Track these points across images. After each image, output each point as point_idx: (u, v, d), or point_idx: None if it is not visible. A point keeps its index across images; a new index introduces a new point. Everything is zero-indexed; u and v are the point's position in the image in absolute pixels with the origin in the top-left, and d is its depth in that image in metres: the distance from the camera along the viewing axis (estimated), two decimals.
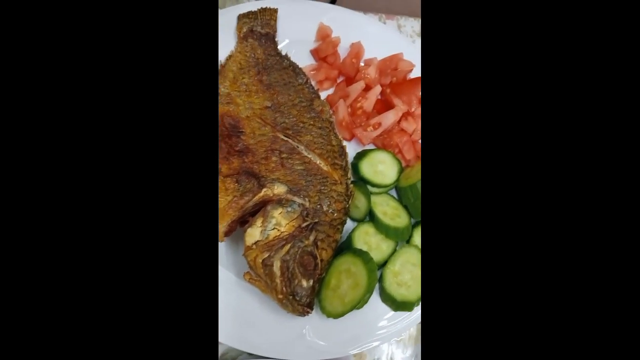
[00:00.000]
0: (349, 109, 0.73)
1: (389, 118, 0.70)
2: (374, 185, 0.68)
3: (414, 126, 0.71)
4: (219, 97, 0.65)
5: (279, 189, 0.57)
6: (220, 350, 0.60)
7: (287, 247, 0.54)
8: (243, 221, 0.58)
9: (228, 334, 0.56)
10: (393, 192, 0.71)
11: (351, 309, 0.57)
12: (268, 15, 0.74)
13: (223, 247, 0.63)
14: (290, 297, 0.53)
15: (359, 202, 0.66)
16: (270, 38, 0.73)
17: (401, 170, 0.69)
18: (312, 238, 0.56)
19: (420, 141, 0.73)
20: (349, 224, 0.66)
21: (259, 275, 0.55)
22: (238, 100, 0.65)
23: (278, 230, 0.55)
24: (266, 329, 0.57)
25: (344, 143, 0.69)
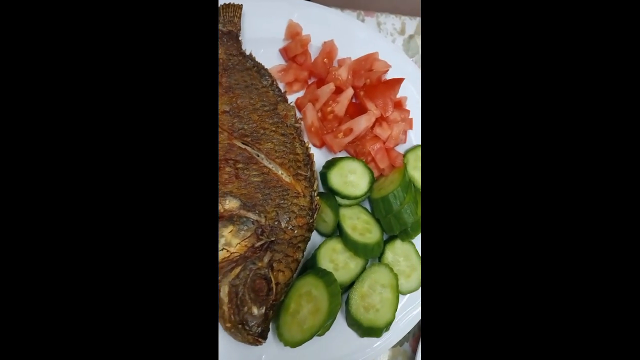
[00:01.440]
0: (319, 114, 0.67)
1: (361, 124, 0.64)
2: (343, 197, 0.62)
3: (389, 132, 0.65)
4: None
5: (231, 204, 0.52)
6: None
7: (237, 270, 0.49)
8: None
9: None
10: (367, 205, 0.66)
11: (310, 337, 0.51)
12: (232, 12, 0.68)
13: None
14: (239, 325, 0.47)
15: (326, 216, 0.61)
16: (233, 37, 0.68)
17: (373, 181, 0.63)
18: (266, 259, 0.50)
19: (395, 149, 0.67)
20: (316, 239, 0.61)
21: None
22: None
23: (227, 251, 0.50)
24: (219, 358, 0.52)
25: (313, 151, 0.64)
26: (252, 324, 0.47)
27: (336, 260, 0.59)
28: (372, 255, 0.59)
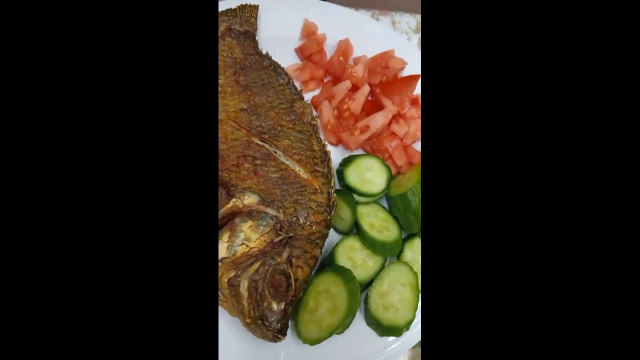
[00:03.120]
0: (335, 111, 0.67)
1: (377, 120, 0.64)
2: (360, 194, 0.62)
3: (406, 129, 0.65)
4: None
5: (250, 200, 0.52)
6: None
7: (257, 265, 0.49)
8: None
9: None
10: (384, 202, 0.65)
11: (329, 335, 0.51)
12: (248, 13, 0.69)
13: None
14: (259, 321, 0.47)
15: (344, 214, 0.60)
16: (250, 36, 0.68)
17: (391, 178, 0.63)
18: (285, 255, 0.50)
19: (413, 146, 0.67)
20: (334, 237, 0.60)
21: (225, 296, 0.49)
22: None
23: (247, 246, 0.49)
24: (236, 356, 0.51)
25: (330, 148, 0.64)
26: (272, 319, 0.47)
27: (354, 258, 0.58)
28: (390, 253, 0.59)
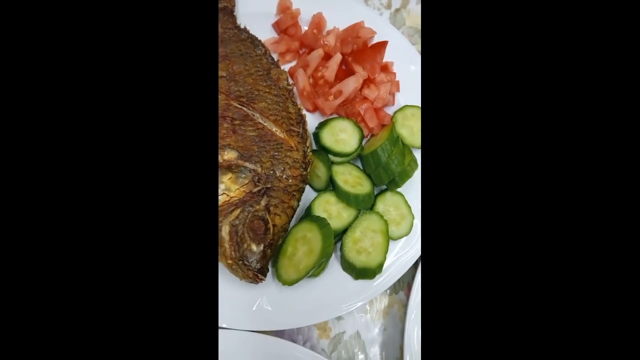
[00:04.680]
0: (311, 80, 0.72)
1: (349, 85, 0.68)
2: (335, 154, 0.66)
3: (376, 93, 0.69)
4: None
5: (229, 155, 0.56)
6: None
7: (237, 212, 0.53)
8: None
9: None
10: (358, 164, 0.70)
11: (306, 275, 0.55)
12: None
13: None
14: (240, 262, 0.51)
15: (320, 171, 0.65)
16: (228, 12, 0.72)
17: (362, 138, 0.67)
18: (263, 203, 0.54)
19: (383, 109, 0.71)
20: (311, 195, 0.65)
21: None
22: None
23: (227, 195, 0.54)
24: (221, 300, 0.56)
25: (306, 115, 0.68)
26: (252, 259, 0.51)
27: (329, 210, 0.63)
28: (363, 205, 0.63)
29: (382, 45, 0.71)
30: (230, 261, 0.52)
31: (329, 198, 0.64)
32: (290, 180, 0.58)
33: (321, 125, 0.68)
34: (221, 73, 0.64)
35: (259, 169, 0.56)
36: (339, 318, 0.63)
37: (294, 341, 0.59)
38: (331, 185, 0.65)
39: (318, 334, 0.62)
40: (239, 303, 0.56)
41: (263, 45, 0.70)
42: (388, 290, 0.65)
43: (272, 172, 0.57)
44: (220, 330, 0.54)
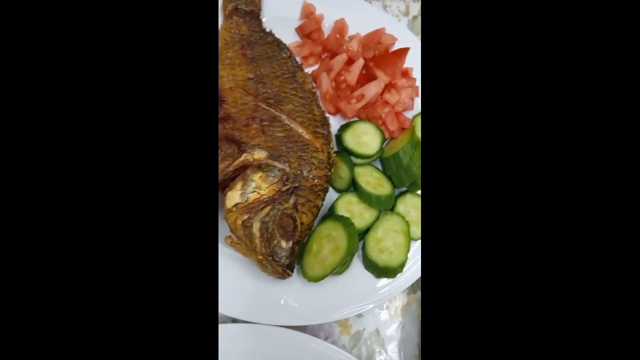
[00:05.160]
0: (333, 84, 0.74)
1: (372, 89, 0.71)
2: (357, 156, 0.68)
3: (397, 97, 0.72)
4: None
5: (259, 154, 0.58)
6: None
7: (267, 209, 0.55)
8: (223, 187, 0.59)
9: None
10: (378, 165, 0.72)
11: (331, 272, 0.57)
12: None
13: None
14: (270, 257, 0.53)
15: (342, 172, 0.67)
16: (254, 16, 0.74)
17: (384, 141, 0.69)
18: (291, 201, 0.56)
19: (403, 113, 0.73)
20: (334, 195, 0.67)
21: (239, 237, 0.55)
22: (222, 72, 0.66)
23: (258, 193, 0.56)
24: (248, 295, 0.57)
25: (328, 117, 0.70)
26: (281, 255, 0.53)
27: (352, 210, 0.64)
28: (385, 206, 0.65)
29: (404, 51, 0.73)
30: (260, 257, 0.53)
31: (351, 198, 0.66)
32: (316, 180, 0.59)
33: (343, 128, 0.70)
34: (249, 75, 0.66)
35: (287, 169, 0.58)
36: (359, 315, 0.65)
37: (316, 337, 0.61)
38: (353, 186, 0.67)
39: (339, 330, 0.64)
40: (266, 299, 0.57)
41: (288, 49, 0.72)
42: (407, 290, 0.67)
43: (299, 171, 0.58)
44: (246, 325, 0.56)
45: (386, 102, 0.72)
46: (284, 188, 0.57)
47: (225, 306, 0.56)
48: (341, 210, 0.64)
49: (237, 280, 0.58)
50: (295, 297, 0.59)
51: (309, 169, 0.59)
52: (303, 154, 0.60)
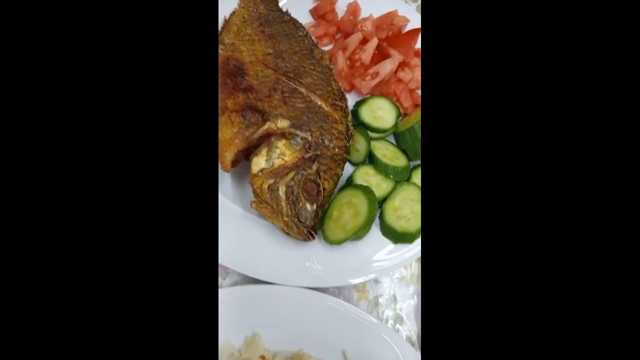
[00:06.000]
0: (348, 62, 0.76)
1: (386, 66, 0.73)
2: (373, 130, 0.71)
3: (410, 75, 0.74)
4: (223, 47, 0.68)
5: (282, 123, 0.60)
6: (228, 279, 0.62)
7: (292, 174, 0.57)
8: (247, 154, 0.61)
9: (234, 262, 0.58)
10: (392, 140, 0.74)
11: (353, 235, 0.59)
12: None
13: (229, 182, 0.65)
14: (295, 219, 0.55)
15: (359, 145, 0.69)
16: None
17: (399, 116, 0.72)
18: (314, 168, 0.58)
19: (416, 90, 0.76)
20: (349, 170, 0.69)
21: (265, 201, 0.57)
22: (242, 47, 0.68)
23: (282, 159, 0.58)
24: (272, 258, 0.59)
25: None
26: (306, 217, 0.55)
27: (369, 181, 0.66)
28: (401, 177, 0.67)
29: (417, 32, 0.76)
30: (286, 218, 0.55)
31: (368, 170, 0.68)
32: (336, 150, 0.62)
33: (359, 103, 0.72)
34: (268, 50, 0.68)
35: (309, 137, 0.60)
36: (377, 281, 0.66)
37: None
38: (369, 159, 0.69)
39: (357, 296, 0.66)
40: (289, 261, 0.59)
41: (304, 28, 0.74)
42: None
43: (321, 140, 0.61)
44: (273, 286, 0.57)
45: (399, 80, 0.75)
46: (307, 155, 0.59)
47: (249, 268, 0.58)
48: (359, 181, 0.66)
49: (260, 244, 0.60)
50: (316, 260, 0.60)
51: (329, 138, 0.62)
52: (324, 124, 0.62)
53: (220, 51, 0.67)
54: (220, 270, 0.62)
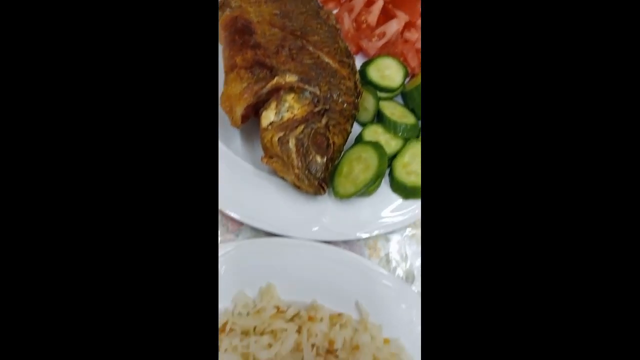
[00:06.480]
0: (354, 24, 0.76)
1: (392, 26, 0.73)
2: (381, 89, 0.71)
3: (417, 35, 0.74)
4: (230, 9, 0.68)
5: (291, 78, 0.60)
6: (242, 235, 0.63)
7: (301, 127, 0.57)
8: (257, 109, 0.61)
9: (247, 215, 0.58)
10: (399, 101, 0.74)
11: (363, 187, 0.59)
12: None
13: (239, 139, 0.66)
14: (306, 171, 0.55)
15: (368, 104, 0.69)
16: None
17: (406, 75, 0.72)
18: (324, 121, 0.58)
19: None
20: (358, 130, 0.69)
21: (275, 154, 0.58)
22: (249, 9, 0.68)
23: (291, 112, 0.58)
24: (284, 212, 0.60)
25: None
26: (317, 169, 0.55)
27: (379, 139, 0.66)
28: (410, 135, 0.67)
29: None
30: (297, 171, 0.55)
31: (377, 129, 0.68)
32: (345, 105, 0.62)
33: (366, 63, 0.72)
34: (275, 11, 0.68)
35: (318, 92, 0.60)
36: (387, 239, 0.67)
37: None
38: (377, 118, 0.69)
39: (369, 253, 0.66)
40: (302, 216, 0.60)
41: None
42: None
43: (329, 95, 0.61)
44: (286, 239, 0.58)
45: (406, 41, 0.74)
46: (316, 109, 0.59)
47: (261, 221, 0.58)
48: (368, 139, 0.66)
49: (272, 199, 0.60)
50: (327, 215, 0.61)
51: (338, 93, 0.62)
52: (332, 79, 0.62)
53: (227, 12, 0.67)
54: (233, 225, 0.63)
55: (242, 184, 0.61)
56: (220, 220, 0.63)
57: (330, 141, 0.58)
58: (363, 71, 0.71)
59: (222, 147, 0.63)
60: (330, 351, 0.52)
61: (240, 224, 0.62)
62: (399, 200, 0.64)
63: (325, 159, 0.57)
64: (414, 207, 0.64)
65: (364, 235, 0.61)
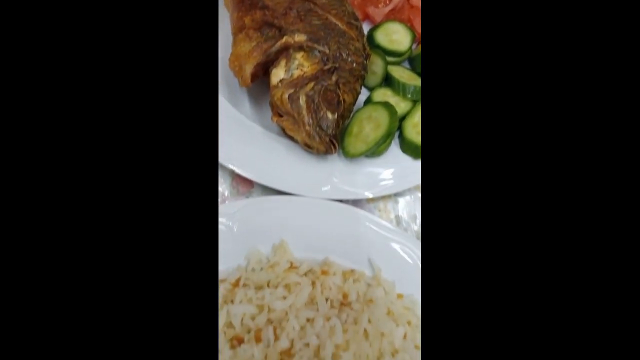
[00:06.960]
0: None
1: None
2: (389, 53, 0.70)
3: None
4: None
5: (300, 37, 0.60)
6: (254, 194, 0.63)
7: (311, 84, 0.57)
8: (266, 67, 0.61)
9: (258, 175, 0.58)
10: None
11: (374, 146, 0.59)
12: None
13: (248, 101, 0.65)
14: (317, 127, 0.55)
15: (376, 67, 0.69)
16: None
17: (414, 39, 0.71)
18: (334, 79, 0.58)
19: None
20: (366, 95, 0.69)
21: (286, 112, 0.57)
22: None
23: (301, 70, 0.58)
24: (294, 171, 0.59)
25: None
26: (327, 125, 0.55)
27: (388, 101, 0.66)
28: (419, 97, 0.67)
29: None
30: (308, 127, 0.55)
31: (386, 92, 0.68)
32: (354, 64, 0.61)
33: (374, 28, 0.72)
34: None
35: (327, 51, 0.60)
36: (396, 201, 0.67)
37: None
38: (385, 82, 0.69)
39: (379, 214, 0.66)
40: (312, 175, 0.59)
41: None
42: None
43: (338, 54, 0.60)
44: (298, 197, 0.58)
45: (412, 6, 0.74)
46: (325, 67, 0.58)
47: (272, 180, 0.58)
48: (377, 100, 0.66)
49: (283, 159, 0.60)
50: (337, 174, 0.61)
51: (347, 52, 0.61)
52: (341, 39, 0.62)
53: None
54: (244, 187, 0.63)
55: (253, 145, 0.60)
56: (231, 183, 0.63)
57: (341, 98, 0.58)
58: (370, 36, 0.71)
59: (232, 110, 0.63)
60: (344, 304, 0.52)
61: (250, 185, 0.62)
62: (408, 161, 0.64)
63: (336, 115, 0.56)
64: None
65: (373, 195, 0.61)
